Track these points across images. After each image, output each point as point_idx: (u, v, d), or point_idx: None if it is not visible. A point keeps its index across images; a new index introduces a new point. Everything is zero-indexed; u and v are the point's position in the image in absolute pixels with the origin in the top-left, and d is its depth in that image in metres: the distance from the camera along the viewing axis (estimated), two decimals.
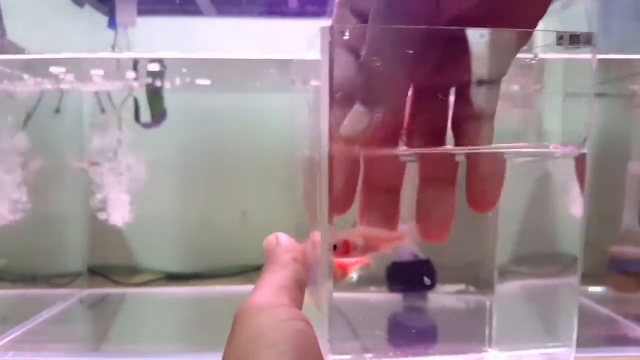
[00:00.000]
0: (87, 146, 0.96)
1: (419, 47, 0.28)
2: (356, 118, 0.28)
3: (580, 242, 0.30)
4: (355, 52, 0.28)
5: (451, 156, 0.29)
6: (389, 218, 0.30)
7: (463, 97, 0.30)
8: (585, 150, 0.29)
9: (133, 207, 0.96)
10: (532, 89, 0.31)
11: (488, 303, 0.32)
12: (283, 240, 0.31)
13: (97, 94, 0.97)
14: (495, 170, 0.29)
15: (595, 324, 0.89)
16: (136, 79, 0.91)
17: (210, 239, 1.10)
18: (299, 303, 0.29)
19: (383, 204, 0.30)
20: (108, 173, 0.94)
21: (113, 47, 0.90)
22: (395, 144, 0.30)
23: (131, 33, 0.90)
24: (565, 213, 0.30)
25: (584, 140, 0.29)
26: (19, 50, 0.84)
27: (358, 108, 0.28)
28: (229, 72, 0.94)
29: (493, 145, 0.30)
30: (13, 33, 0.83)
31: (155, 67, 0.85)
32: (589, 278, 1.05)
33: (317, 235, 0.29)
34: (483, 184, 0.29)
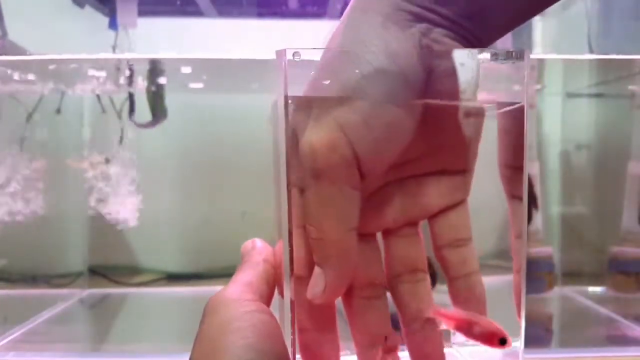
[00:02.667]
0: (88, 146, 0.97)
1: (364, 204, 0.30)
2: (314, 280, 0.30)
3: (523, 235, 0.32)
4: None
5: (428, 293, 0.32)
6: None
7: (434, 228, 0.32)
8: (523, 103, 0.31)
9: (133, 207, 0.96)
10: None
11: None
12: (257, 243, 0.34)
13: (97, 94, 0.97)
14: (474, 294, 0.32)
15: (595, 324, 0.89)
16: (135, 79, 0.91)
17: (210, 239, 1.10)
18: (266, 298, 0.32)
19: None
20: (108, 173, 0.94)
21: (114, 48, 0.90)
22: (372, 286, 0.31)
23: (132, 33, 0.90)
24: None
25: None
26: (20, 51, 0.84)
27: (316, 269, 0.30)
28: (229, 73, 0.94)
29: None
30: (14, 33, 0.83)
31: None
32: (588, 278, 1.05)
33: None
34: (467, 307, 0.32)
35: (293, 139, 0.30)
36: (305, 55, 0.30)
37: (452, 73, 0.30)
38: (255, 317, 0.29)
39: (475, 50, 0.30)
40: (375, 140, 0.28)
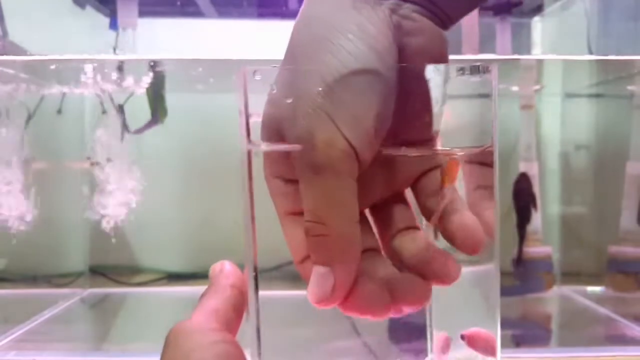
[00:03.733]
0: (88, 146, 0.97)
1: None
2: (319, 281, 0.29)
3: (496, 227, 0.32)
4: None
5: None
6: None
7: (417, 188, 0.32)
8: (491, 148, 0.31)
9: (134, 207, 0.96)
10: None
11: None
12: (226, 267, 0.33)
13: (98, 94, 0.97)
14: (473, 224, 0.30)
15: (594, 324, 0.90)
16: (137, 80, 0.91)
17: (211, 239, 1.10)
18: (232, 326, 0.30)
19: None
20: (109, 173, 0.95)
21: (114, 48, 0.90)
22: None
23: (132, 34, 0.90)
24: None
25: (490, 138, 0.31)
26: (20, 51, 0.84)
27: (317, 269, 0.29)
28: (229, 73, 0.94)
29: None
30: (15, 34, 0.83)
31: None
32: (587, 277, 1.06)
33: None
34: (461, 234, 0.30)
35: (275, 132, 0.30)
36: (267, 73, 0.29)
37: (422, 51, 0.30)
38: (219, 348, 0.27)
39: (441, 66, 0.30)
40: (366, 130, 0.28)
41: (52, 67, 0.85)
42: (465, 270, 0.31)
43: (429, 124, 0.31)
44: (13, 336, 0.80)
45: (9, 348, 0.76)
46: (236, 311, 0.31)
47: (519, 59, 0.91)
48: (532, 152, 0.98)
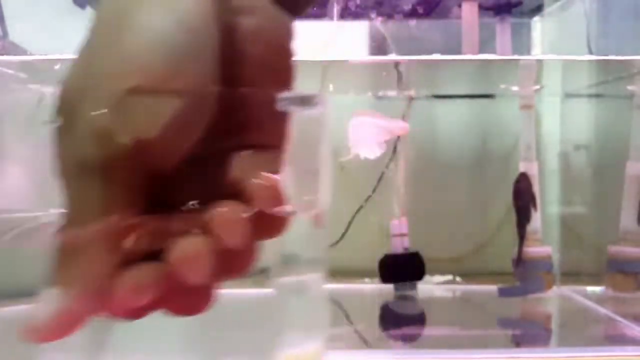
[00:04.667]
0: None
1: None
2: (40, 305, 0.24)
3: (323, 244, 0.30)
4: None
5: None
6: None
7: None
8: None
9: None
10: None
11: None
12: None
13: None
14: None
15: (593, 324, 0.90)
16: None
17: None
18: None
19: None
20: None
21: None
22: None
23: None
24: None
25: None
26: (20, 51, 0.84)
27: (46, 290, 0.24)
28: None
29: None
30: (15, 34, 0.83)
31: None
32: (587, 277, 1.05)
33: None
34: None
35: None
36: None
37: (255, 34, 0.25)
38: None
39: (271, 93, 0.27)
40: (164, 126, 0.23)
41: (52, 67, 0.85)
42: (295, 279, 0.30)
43: (272, 130, 0.26)
44: None
45: None
46: None
47: (518, 59, 0.91)
48: (532, 152, 0.98)
